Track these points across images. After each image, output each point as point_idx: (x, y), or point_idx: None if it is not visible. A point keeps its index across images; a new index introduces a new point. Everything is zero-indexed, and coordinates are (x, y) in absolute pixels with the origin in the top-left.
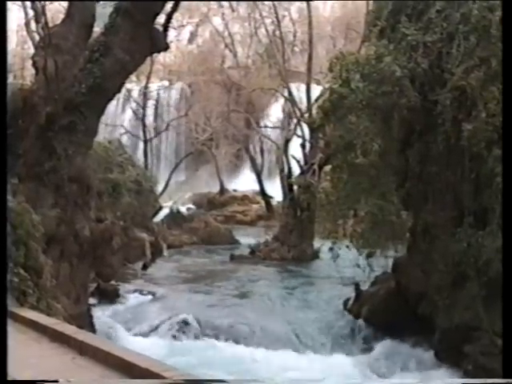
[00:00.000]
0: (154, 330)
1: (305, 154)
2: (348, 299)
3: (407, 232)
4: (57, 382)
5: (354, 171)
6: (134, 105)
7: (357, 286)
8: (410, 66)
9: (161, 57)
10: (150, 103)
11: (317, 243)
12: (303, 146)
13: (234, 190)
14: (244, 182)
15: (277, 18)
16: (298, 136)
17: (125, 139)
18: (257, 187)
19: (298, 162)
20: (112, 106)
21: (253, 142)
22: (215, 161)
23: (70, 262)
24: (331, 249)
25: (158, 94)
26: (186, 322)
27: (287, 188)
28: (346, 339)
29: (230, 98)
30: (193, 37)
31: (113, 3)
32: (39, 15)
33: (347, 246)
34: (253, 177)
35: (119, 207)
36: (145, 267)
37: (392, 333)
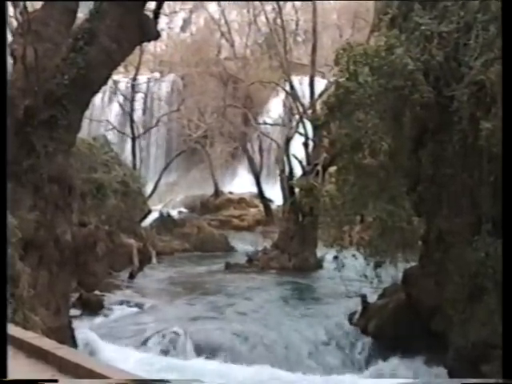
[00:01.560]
0: (142, 344)
1: (307, 154)
2: (354, 313)
3: (419, 240)
4: (56, 381)
5: (361, 173)
6: (121, 98)
7: (364, 298)
8: (424, 58)
9: (151, 46)
10: (139, 97)
11: (320, 251)
12: (306, 144)
13: (230, 193)
14: (241, 184)
15: (278, 4)
16: (301, 134)
17: (111, 136)
18: (255, 189)
19: (300, 162)
20: (97, 100)
21: (251, 140)
22: (209, 160)
23: (49, 270)
24: (336, 258)
25: (148, 86)
26: (175, 336)
27: (288, 191)
28: (352, 356)
29: (227, 91)
30: (186, 24)
31: None
32: None
33: (353, 255)
34: (250, 178)
35: (104, 210)
36: (132, 276)
37: (402, 350)
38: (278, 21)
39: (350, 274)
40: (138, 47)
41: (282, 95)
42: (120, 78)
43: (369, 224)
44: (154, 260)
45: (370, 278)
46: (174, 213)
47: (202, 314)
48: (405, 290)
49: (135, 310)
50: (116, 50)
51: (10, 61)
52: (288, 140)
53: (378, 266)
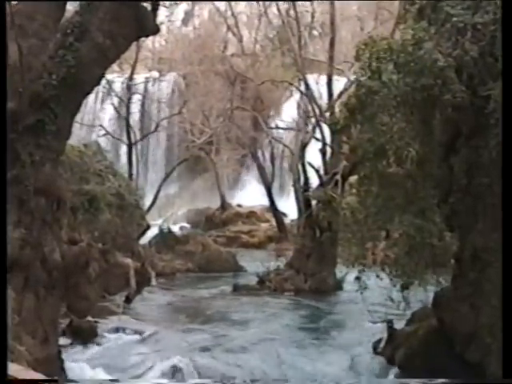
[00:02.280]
0: (140, 376)
1: (325, 162)
2: (379, 340)
3: (452, 258)
4: (56, 381)
5: (385, 183)
6: (116, 100)
7: (390, 324)
8: (456, 53)
9: (149, 41)
10: (136, 98)
11: (340, 271)
12: (323, 151)
13: (239, 206)
14: (250, 196)
15: None
16: (317, 139)
17: (104, 142)
18: (266, 202)
19: (317, 171)
20: (89, 102)
21: (261, 147)
22: (215, 169)
23: (36, 294)
24: (358, 278)
25: (146, 87)
26: (176, 369)
27: (303, 203)
28: None
29: (234, 92)
30: (188, 17)
31: None
32: None
33: (377, 276)
34: (261, 189)
35: (97, 226)
36: (128, 300)
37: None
38: (292, 12)
39: (374, 297)
40: (134, 43)
41: (297, 96)
42: (114, 78)
43: (395, 240)
44: (154, 282)
45: (396, 301)
46: (176, 228)
47: (205, 344)
48: (436, 314)
49: (132, 338)
50: (110, 47)
51: None
52: (303, 146)
53: (405, 287)
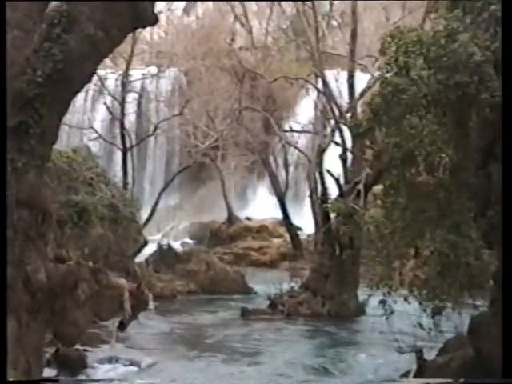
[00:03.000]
0: None
1: (346, 170)
2: (407, 372)
3: (490, 279)
4: (57, 381)
5: (415, 193)
6: (109, 99)
7: (419, 354)
8: (495, 46)
9: (146, 33)
10: (132, 97)
11: (363, 293)
12: (343, 157)
13: (248, 219)
14: (261, 208)
15: None
16: (337, 144)
17: (96, 147)
18: (279, 214)
19: (337, 180)
20: (79, 102)
21: (273, 152)
22: (221, 178)
23: (17, 319)
24: (383, 302)
25: (143, 84)
26: None
27: (321, 216)
28: None
29: (242, 90)
30: (190, 6)
31: None
32: None
33: (405, 299)
34: (273, 200)
35: (87, 242)
36: (123, 326)
37: None
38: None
39: (401, 323)
40: (130, 35)
41: (313, 95)
42: (107, 74)
43: (425, 259)
44: (151, 305)
45: (426, 327)
46: (177, 245)
47: (211, 377)
48: (472, 343)
49: (126, 369)
50: (102, 39)
51: None
52: (321, 152)
53: (436, 312)
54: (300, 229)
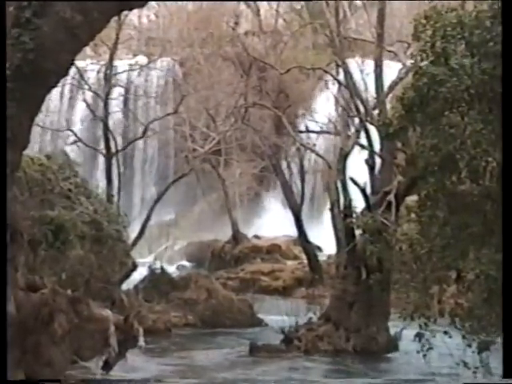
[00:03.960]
0: None
1: (373, 177)
2: None
3: None
4: (59, 381)
5: (456, 205)
6: (89, 96)
7: None
8: None
9: (134, 16)
10: (117, 93)
11: (394, 326)
12: (370, 163)
13: (256, 237)
14: (272, 224)
15: None
16: (362, 147)
17: (75, 152)
18: (293, 231)
19: (363, 189)
20: (54, 99)
21: (287, 157)
22: (224, 188)
23: None
24: (419, 335)
25: (130, 77)
26: None
27: (344, 233)
28: None
29: (249, 83)
30: None
31: None
32: None
33: (445, 332)
34: (287, 214)
35: (65, 266)
36: (108, 367)
37: None
38: None
39: (442, 361)
40: (114, 18)
41: (334, 88)
42: (88, 66)
43: (469, 283)
44: (142, 341)
45: (472, 366)
46: (172, 268)
47: None
48: None
49: None
50: (81, 24)
51: None
52: (344, 156)
53: (483, 348)
54: (319, 248)
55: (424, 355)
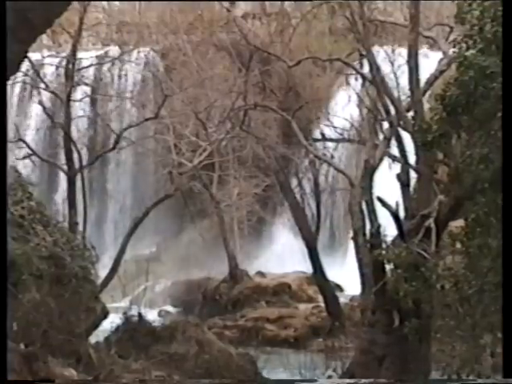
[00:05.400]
0: None
1: (408, 197)
2: None
3: None
4: (53, 381)
5: None
6: (46, 97)
7: None
8: None
9: None
10: (81, 92)
11: None
12: (404, 179)
13: (260, 274)
14: (280, 257)
15: None
16: (393, 159)
17: (29, 169)
18: (307, 267)
19: (394, 213)
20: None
21: (297, 173)
22: (219, 212)
23: None
24: None
25: (98, 72)
26: None
27: (372, 269)
28: None
29: (249, 79)
30: None
31: None
32: None
33: None
34: (298, 245)
35: (17, 313)
36: None
37: None
38: None
39: None
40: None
41: (357, 85)
42: (45, 59)
43: None
44: None
45: None
46: (153, 315)
47: None
48: None
49: None
50: (35, 7)
51: None
52: (370, 170)
53: None
54: (339, 288)
55: None
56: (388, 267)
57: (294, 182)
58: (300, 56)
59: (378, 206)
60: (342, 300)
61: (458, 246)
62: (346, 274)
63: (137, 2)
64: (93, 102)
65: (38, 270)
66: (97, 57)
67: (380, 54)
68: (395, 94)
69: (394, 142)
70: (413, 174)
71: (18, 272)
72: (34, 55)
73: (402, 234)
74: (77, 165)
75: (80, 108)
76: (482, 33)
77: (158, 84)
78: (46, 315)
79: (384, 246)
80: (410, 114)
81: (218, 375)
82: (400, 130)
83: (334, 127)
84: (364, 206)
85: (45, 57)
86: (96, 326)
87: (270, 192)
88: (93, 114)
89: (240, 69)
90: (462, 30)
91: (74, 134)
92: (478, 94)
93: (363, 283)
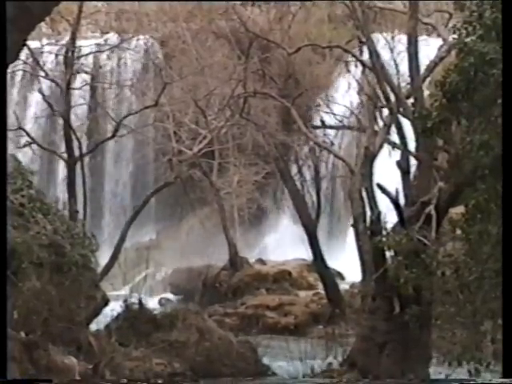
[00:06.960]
0: None
1: (408, 184)
2: None
3: None
4: (50, 381)
5: None
6: (46, 85)
7: None
8: None
9: None
10: (81, 80)
11: (437, 372)
12: (404, 166)
13: (261, 261)
14: (280, 245)
15: None
16: (393, 146)
17: (29, 157)
18: (307, 254)
19: (394, 199)
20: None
21: (297, 160)
22: (219, 200)
23: None
24: None
25: (98, 61)
26: None
27: (372, 256)
28: None
29: (249, 67)
30: None
31: None
32: None
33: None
34: (298, 232)
35: (18, 301)
36: None
37: None
38: None
39: None
40: None
41: (357, 71)
42: (44, 47)
43: None
44: None
45: None
46: (153, 303)
47: None
48: None
49: None
50: None
51: None
52: (370, 158)
53: None
54: (340, 275)
55: None
56: (388, 254)
57: (293, 170)
58: (299, 43)
59: (378, 192)
60: (343, 287)
61: (459, 232)
62: (346, 261)
63: None
64: (92, 91)
65: (38, 258)
66: (96, 45)
67: (380, 40)
68: (395, 80)
69: (393, 129)
70: (413, 161)
71: (18, 260)
72: (33, 43)
73: (402, 220)
74: (76, 153)
75: (79, 96)
76: (482, 19)
77: (157, 72)
78: (46, 303)
79: (384, 232)
80: (410, 100)
81: (218, 362)
82: (400, 116)
83: (334, 114)
84: (364, 193)
85: (44, 45)
86: (96, 313)
87: (269, 179)
88: (92, 102)
89: (239, 56)
90: (461, 16)
91: (74, 122)
92: (478, 81)
93: (363, 270)
